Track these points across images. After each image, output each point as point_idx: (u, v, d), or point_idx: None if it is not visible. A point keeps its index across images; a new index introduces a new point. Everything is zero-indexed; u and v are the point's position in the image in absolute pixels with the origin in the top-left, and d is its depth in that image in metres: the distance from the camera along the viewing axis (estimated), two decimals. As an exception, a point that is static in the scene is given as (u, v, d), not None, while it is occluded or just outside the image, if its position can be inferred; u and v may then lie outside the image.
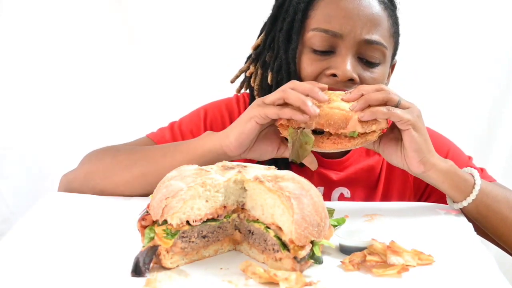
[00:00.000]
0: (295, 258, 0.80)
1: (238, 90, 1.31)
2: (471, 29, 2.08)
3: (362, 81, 1.14)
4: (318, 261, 0.83)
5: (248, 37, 1.39)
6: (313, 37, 1.14)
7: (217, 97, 1.41)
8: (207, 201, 0.84)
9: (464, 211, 1.11)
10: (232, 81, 1.28)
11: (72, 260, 0.84)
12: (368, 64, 1.15)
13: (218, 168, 0.89)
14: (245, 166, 0.90)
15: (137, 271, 0.79)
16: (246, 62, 1.29)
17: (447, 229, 1.02)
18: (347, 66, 1.11)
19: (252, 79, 1.25)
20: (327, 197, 1.26)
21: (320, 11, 1.15)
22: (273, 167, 0.92)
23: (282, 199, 0.81)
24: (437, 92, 2.14)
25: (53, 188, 1.36)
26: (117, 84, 2.06)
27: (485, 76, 2.12)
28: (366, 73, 1.15)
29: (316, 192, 0.85)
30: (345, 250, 0.88)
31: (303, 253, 0.80)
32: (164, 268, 0.82)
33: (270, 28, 1.23)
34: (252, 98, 1.27)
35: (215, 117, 1.30)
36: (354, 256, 0.85)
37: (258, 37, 1.26)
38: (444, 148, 1.27)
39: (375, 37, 1.13)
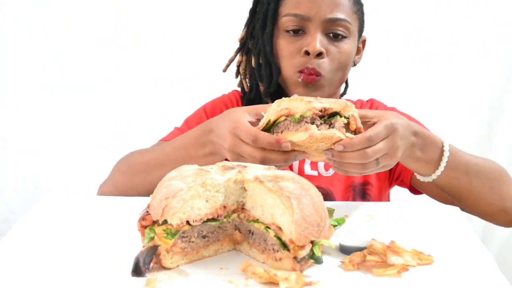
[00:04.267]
0: (295, 258, 0.80)
1: (239, 85, 1.46)
2: (471, 28, 2.08)
3: (330, 55, 1.29)
4: (318, 261, 0.83)
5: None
6: (286, 22, 1.31)
7: (217, 91, 1.51)
8: (207, 201, 0.84)
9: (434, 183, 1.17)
10: (224, 70, 1.46)
11: (72, 260, 0.84)
12: (336, 38, 1.30)
13: (218, 168, 0.89)
14: (245, 166, 0.90)
15: (137, 271, 0.79)
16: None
17: (447, 229, 1.02)
18: (316, 43, 1.27)
19: (241, 67, 1.44)
20: (313, 165, 1.37)
21: None
22: (273, 167, 0.92)
23: (282, 199, 0.81)
24: (437, 92, 2.14)
25: (53, 188, 1.36)
26: (117, 84, 2.06)
27: (485, 76, 2.12)
28: (333, 49, 1.30)
29: (316, 192, 0.86)
30: (345, 250, 0.88)
31: (303, 253, 0.80)
32: (164, 268, 0.83)
33: (250, 20, 1.41)
34: (242, 84, 1.44)
35: (214, 113, 1.40)
36: (354, 256, 0.85)
37: (242, 30, 1.43)
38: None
39: (338, 15, 1.29)
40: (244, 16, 1.66)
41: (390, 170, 1.37)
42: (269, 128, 0.98)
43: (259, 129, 0.99)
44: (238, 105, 1.46)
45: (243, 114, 1.03)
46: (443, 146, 1.12)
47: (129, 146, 2.07)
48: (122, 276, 0.79)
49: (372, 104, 1.48)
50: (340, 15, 1.29)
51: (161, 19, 2.04)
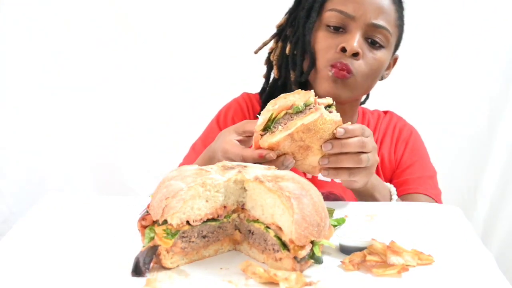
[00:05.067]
0: (295, 258, 0.81)
1: (265, 75, 1.47)
2: (471, 28, 2.08)
3: (365, 58, 1.29)
4: (318, 261, 0.83)
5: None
6: (330, 16, 1.31)
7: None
8: (207, 201, 0.84)
9: None
10: (256, 52, 1.45)
11: (72, 260, 0.84)
12: (373, 45, 1.31)
13: (218, 168, 0.89)
14: (245, 166, 0.90)
15: (137, 271, 0.79)
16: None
17: (447, 229, 1.02)
18: (355, 42, 1.27)
19: (272, 54, 1.42)
20: None
21: None
22: (273, 167, 0.92)
23: (282, 199, 0.81)
24: (437, 92, 2.13)
25: (53, 188, 1.36)
26: (117, 84, 2.05)
27: (485, 76, 2.12)
28: (369, 54, 1.30)
29: (316, 192, 0.86)
30: (345, 250, 0.88)
31: (303, 253, 0.80)
32: (164, 268, 0.83)
33: (294, 8, 1.41)
34: (268, 71, 1.45)
35: (226, 123, 1.44)
36: (354, 256, 0.85)
37: (283, 17, 1.43)
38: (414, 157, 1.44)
39: (381, 22, 1.29)
40: (244, 16, 1.66)
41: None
42: (270, 125, 1.00)
43: (259, 128, 1.00)
44: (248, 108, 1.47)
45: (231, 135, 1.08)
46: (390, 192, 1.23)
47: (129, 146, 2.08)
48: (122, 276, 0.79)
49: (391, 118, 1.49)
50: (384, 23, 1.29)
51: (161, 19, 2.04)
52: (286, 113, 0.99)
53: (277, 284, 0.77)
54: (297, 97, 0.99)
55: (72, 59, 2.00)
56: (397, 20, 1.34)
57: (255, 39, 1.98)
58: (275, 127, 0.99)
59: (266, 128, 1.01)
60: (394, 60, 1.43)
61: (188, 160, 1.39)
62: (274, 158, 1.00)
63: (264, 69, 1.46)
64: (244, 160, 1.01)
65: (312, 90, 1.00)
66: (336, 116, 1.00)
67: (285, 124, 0.99)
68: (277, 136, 0.98)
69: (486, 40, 2.09)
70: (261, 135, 1.01)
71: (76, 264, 0.83)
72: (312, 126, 0.97)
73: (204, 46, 2.05)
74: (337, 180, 1.32)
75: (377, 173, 1.40)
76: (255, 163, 0.98)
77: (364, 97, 1.48)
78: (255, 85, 1.51)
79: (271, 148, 1.00)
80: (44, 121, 2.00)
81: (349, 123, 1.02)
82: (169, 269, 0.83)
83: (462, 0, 2.09)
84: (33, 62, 1.97)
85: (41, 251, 0.87)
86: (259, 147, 1.01)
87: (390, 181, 1.41)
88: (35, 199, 1.11)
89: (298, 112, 0.98)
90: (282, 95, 1.00)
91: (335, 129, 1.00)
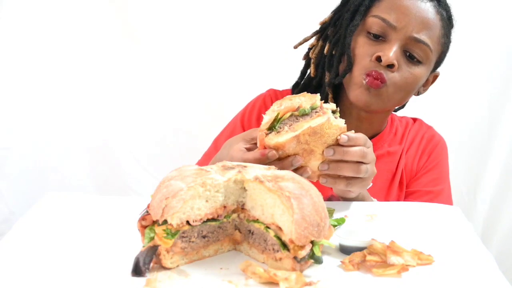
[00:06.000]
0: (295, 258, 0.81)
1: (302, 71, 1.45)
2: (470, 28, 2.08)
3: (401, 71, 1.26)
4: (318, 261, 0.83)
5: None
6: (372, 23, 1.29)
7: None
8: (207, 201, 0.85)
9: None
10: (296, 47, 1.42)
11: (72, 260, 0.85)
12: (411, 59, 1.28)
13: (218, 168, 0.89)
14: (245, 166, 0.90)
15: (137, 271, 0.79)
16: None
17: (447, 229, 1.02)
18: (391, 53, 1.24)
19: (311, 51, 1.41)
20: None
21: (385, 2, 1.30)
22: (273, 167, 0.92)
23: (282, 199, 0.81)
24: (437, 92, 2.13)
25: (53, 188, 1.35)
26: (118, 84, 2.05)
27: (485, 76, 2.11)
28: (405, 68, 1.27)
29: (316, 192, 0.86)
30: (345, 250, 0.88)
31: (303, 253, 0.80)
32: (164, 268, 0.83)
33: (340, 8, 1.38)
34: (305, 67, 1.43)
35: (250, 120, 1.44)
36: (354, 256, 0.85)
37: (327, 16, 1.41)
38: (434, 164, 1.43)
39: (423, 37, 1.26)
40: (244, 16, 1.65)
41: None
42: (275, 125, 1.01)
43: (264, 126, 1.01)
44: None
45: (238, 144, 1.07)
46: None
47: (130, 146, 2.08)
48: (122, 276, 0.79)
49: (420, 127, 1.47)
50: (425, 38, 1.26)
51: (161, 19, 2.04)
52: (292, 114, 1.00)
53: (277, 284, 0.77)
54: (303, 99, 1.00)
55: (72, 59, 2.00)
56: (442, 37, 1.30)
57: (255, 39, 1.98)
58: (280, 127, 1.00)
59: (271, 128, 1.01)
60: (434, 77, 1.40)
61: (209, 155, 1.38)
62: (277, 157, 1.00)
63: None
64: (247, 162, 1.00)
65: (318, 94, 1.00)
66: (341, 122, 1.00)
67: (290, 125, 0.99)
68: (284, 137, 0.99)
69: (486, 40, 2.09)
70: (266, 134, 1.01)
71: (76, 264, 0.83)
72: (318, 130, 0.98)
73: (205, 46, 2.04)
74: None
75: (401, 182, 1.40)
76: (259, 163, 0.98)
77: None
78: (255, 85, 1.51)
79: (276, 148, 1.00)
80: (44, 121, 2.00)
81: (353, 131, 1.02)
82: (169, 269, 0.83)
83: (462, 0, 2.09)
84: (33, 62, 1.97)
85: (41, 251, 0.87)
86: (263, 146, 1.01)
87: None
88: (35, 199, 1.11)
89: (304, 114, 0.99)
90: (287, 96, 1.01)
91: (339, 135, 1.00)
